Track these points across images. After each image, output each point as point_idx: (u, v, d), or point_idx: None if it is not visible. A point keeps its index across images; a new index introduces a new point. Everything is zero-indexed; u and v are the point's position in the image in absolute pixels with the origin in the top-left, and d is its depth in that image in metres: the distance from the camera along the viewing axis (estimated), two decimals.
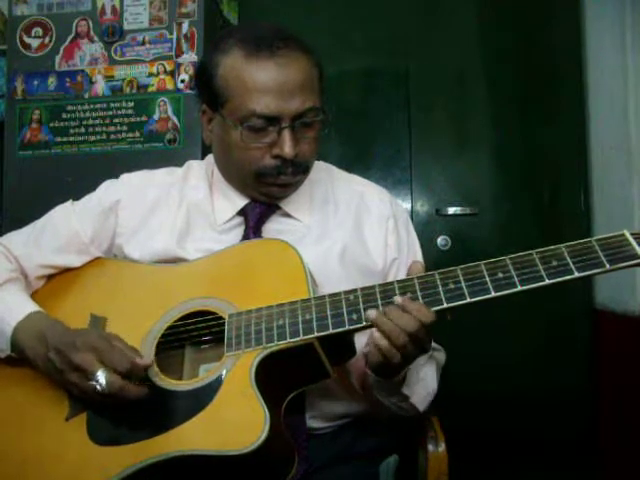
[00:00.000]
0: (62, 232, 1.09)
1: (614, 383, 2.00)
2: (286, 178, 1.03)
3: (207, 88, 1.03)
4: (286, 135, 0.98)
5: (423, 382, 1.02)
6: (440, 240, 2.19)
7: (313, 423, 1.03)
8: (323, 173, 1.18)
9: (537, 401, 2.10)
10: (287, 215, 1.10)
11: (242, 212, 1.09)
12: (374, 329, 0.85)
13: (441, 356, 1.12)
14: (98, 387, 0.83)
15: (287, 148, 0.98)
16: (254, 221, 1.07)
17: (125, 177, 1.17)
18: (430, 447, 1.08)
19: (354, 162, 2.18)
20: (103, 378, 0.84)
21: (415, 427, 1.12)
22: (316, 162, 1.13)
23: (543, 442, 2.11)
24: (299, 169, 1.03)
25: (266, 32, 1.01)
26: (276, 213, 1.10)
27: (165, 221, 1.09)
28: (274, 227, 1.08)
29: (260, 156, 1.00)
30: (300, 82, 0.98)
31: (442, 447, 1.07)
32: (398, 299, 0.84)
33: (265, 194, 1.06)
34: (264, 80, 0.97)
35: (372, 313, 0.84)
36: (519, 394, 2.11)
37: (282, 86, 0.97)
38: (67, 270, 1.10)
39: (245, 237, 1.06)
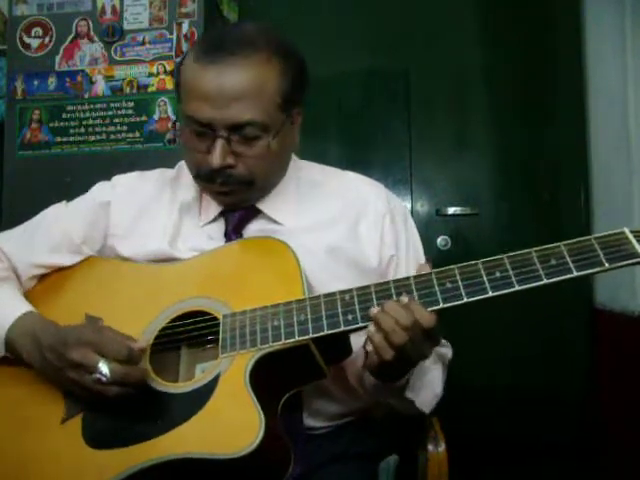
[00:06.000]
0: (54, 232, 1.09)
1: (614, 383, 2.00)
2: (219, 187, 1.01)
3: (177, 88, 1.04)
4: (217, 145, 0.95)
5: (430, 385, 1.01)
6: (440, 240, 2.19)
7: (311, 422, 1.03)
8: (316, 174, 1.15)
9: (537, 401, 2.10)
10: (269, 219, 1.07)
11: (223, 214, 1.08)
12: (370, 323, 0.84)
13: (448, 352, 1.10)
14: (103, 378, 0.83)
15: (212, 158, 0.95)
16: (233, 225, 1.06)
17: (117, 179, 1.16)
18: (430, 447, 1.07)
19: (354, 162, 2.18)
20: (105, 368, 0.83)
21: (415, 427, 1.12)
22: (306, 163, 1.13)
23: (543, 442, 2.10)
24: (230, 180, 0.99)
25: (227, 35, 0.98)
26: (258, 217, 1.08)
27: (157, 222, 1.09)
28: (257, 228, 1.07)
29: (199, 160, 1.00)
30: (240, 92, 0.93)
31: (442, 447, 1.07)
32: (404, 299, 0.83)
33: (217, 200, 1.06)
34: (202, 85, 0.94)
35: (373, 310, 0.83)
36: (519, 394, 2.11)
37: (218, 94, 0.93)
38: (59, 270, 1.09)
39: (227, 240, 1.05)
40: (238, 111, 0.94)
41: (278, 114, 0.97)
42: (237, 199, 1.05)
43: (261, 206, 1.07)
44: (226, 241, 1.05)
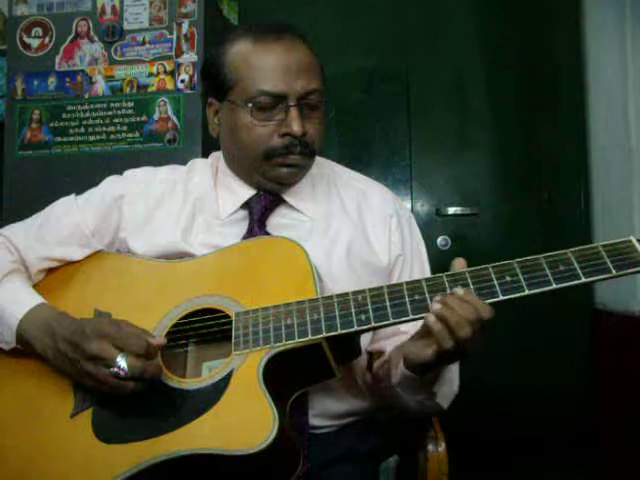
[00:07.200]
0: (64, 224, 1.09)
1: (614, 383, 2.00)
2: (294, 158, 1.04)
3: (214, 79, 1.06)
4: (293, 113, 1.01)
5: (450, 380, 1.02)
6: (440, 240, 2.19)
7: (316, 422, 1.03)
8: (327, 169, 1.18)
9: (537, 401, 2.10)
10: (291, 208, 1.10)
11: (246, 206, 1.09)
12: (428, 314, 0.83)
13: None
14: (121, 372, 0.83)
15: (295, 125, 1.00)
16: (258, 214, 1.07)
17: (129, 173, 1.17)
18: (430, 447, 1.07)
19: (354, 162, 2.18)
20: (124, 362, 0.83)
21: (415, 427, 1.12)
22: (320, 159, 1.14)
23: (543, 442, 2.11)
24: (307, 150, 1.05)
25: (270, 24, 1.07)
26: (280, 206, 1.10)
27: (170, 216, 1.09)
28: (278, 221, 1.09)
29: (268, 135, 1.03)
30: (305, 64, 1.03)
31: (442, 447, 1.07)
32: (459, 291, 0.83)
33: (273, 178, 1.06)
34: (272, 60, 1.01)
35: (436, 305, 0.82)
36: (519, 394, 2.11)
37: (289, 66, 1.01)
38: (67, 264, 1.09)
39: (250, 230, 1.06)
40: (308, 80, 1.03)
41: (323, 87, 1.07)
42: (302, 174, 1.10)
43: (284, 195, 1.10)
44: (247, 231, 1.06)
